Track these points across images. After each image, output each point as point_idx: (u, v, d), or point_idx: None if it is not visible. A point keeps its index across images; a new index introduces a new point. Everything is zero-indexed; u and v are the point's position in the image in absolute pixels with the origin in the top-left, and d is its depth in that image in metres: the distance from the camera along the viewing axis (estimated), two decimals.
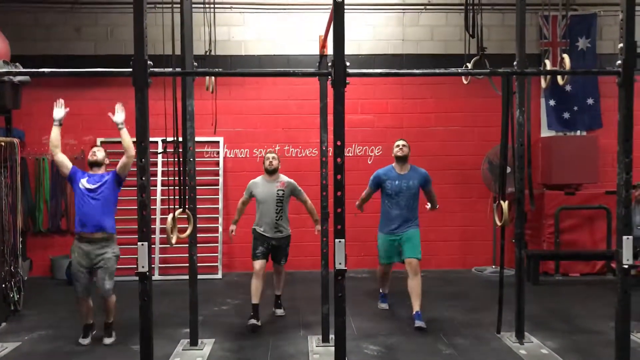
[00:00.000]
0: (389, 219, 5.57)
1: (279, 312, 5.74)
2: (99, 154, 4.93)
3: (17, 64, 5.83)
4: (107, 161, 5.00)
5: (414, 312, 5.27)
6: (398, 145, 5.58)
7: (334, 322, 3.19)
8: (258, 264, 5.43)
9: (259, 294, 5.33)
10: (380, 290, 6.09)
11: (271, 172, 5.57)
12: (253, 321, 5.20)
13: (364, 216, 7.74)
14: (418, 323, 5.16)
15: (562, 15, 6.45)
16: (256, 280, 5.36)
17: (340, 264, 3.07)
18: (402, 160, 5.55)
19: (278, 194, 5.51)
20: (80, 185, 4.77)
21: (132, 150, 4.74)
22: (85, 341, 4.85)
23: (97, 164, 4.88)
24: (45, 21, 7.72)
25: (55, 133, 4.79)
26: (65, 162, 4.88)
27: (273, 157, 5.59)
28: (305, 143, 7.87)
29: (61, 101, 4.81)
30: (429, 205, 5.85)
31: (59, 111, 4.78)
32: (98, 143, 7.14)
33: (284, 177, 5.67)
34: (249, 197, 5.65)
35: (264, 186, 5.55)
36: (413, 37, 7.97)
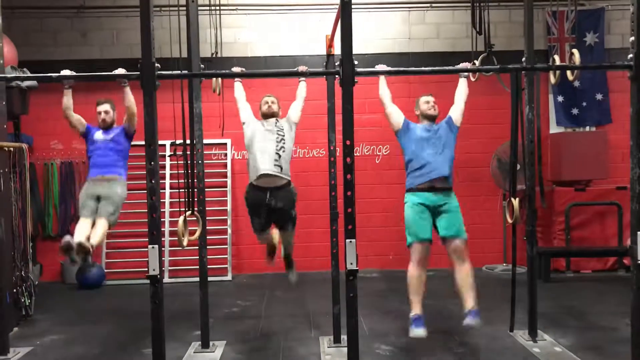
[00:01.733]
0: (418, 166, 4.38)
1: (292, 276, 5.10)
2: (108, 117, 4.94)
3: (25, 69, 5.86)
4: (115, 117, 5.02)
5: (468, 310, 4.24)
6: (428, 102, 4.58)
7: (345, 322, 3.17)
8: (262, 238, 4.96)
9: (273, 240, 4.99)
10: (412, 309, 4.32)
11: (270, 116, 4.78)
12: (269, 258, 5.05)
13: (373, 215, 7.75)
14: (469, 320, 4.18)
15: (570, 10, 6.40)
16: (265, 241, 5.01)
17: (351, 264, 3.05)
18: (431, 119, 4.57)
19: (278, 126, 4.71)
20: (96, 137, 4.87)
21: (134, 107, 4.79)
22: (68, 238, 4.49)
23: (109, 126, 4.94)
24: (52, 26, 7.75)
25: (67, 96, 4.86)
26: (80, 119, 4.96)
27: (272, 101, 4.83)
28: (312, 143, 7.85)
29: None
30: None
31: (67, 72, 4.72)
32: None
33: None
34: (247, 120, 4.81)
35: (263, 124, 4.75)
36: (419, 36, 7.94)
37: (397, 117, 4.60)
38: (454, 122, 4.58)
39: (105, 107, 4.97)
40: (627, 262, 7.27)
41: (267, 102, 4.79)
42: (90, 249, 4.45)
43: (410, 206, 4.44)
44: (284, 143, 4.61)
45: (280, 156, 4.56)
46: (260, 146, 4.58)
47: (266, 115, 4.77)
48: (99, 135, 4.89)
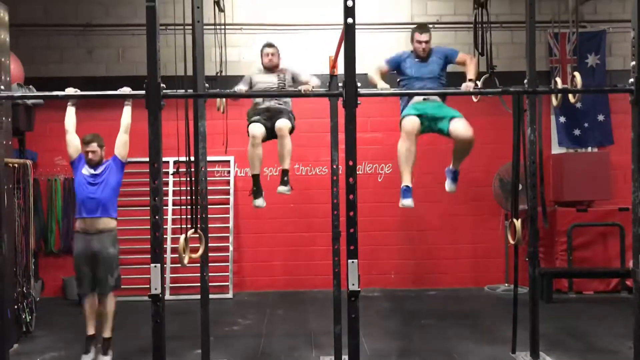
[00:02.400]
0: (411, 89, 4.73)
1: (282, 189, 4.90)
2: (95, 156, 4.90)
3: (31, 86, 5.91)
4: (103, 154, 5.00)
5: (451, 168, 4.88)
6: (420, 42, 4.78)
7: (346, 342, 3.17)
8: (256, 127, 4.77)
9: (260, 163, 4.80)
10: (402, 180, 4.56)
11: (270, 69, 5.03)
12: (260, 200, 4.83)
13: (374, 234, 7.74)
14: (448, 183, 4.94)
15: (572, 32, 6.45)
16: (253, 148, 4.77)
17: (353, 284, 3.06)
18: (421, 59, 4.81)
19: (280, 77, 4.97)
20: (83, 171, 4.86)
21: (129, 127, 4.90)
22: (88, 358, 4.76)
23: (96, 164, 4.92)
24: (59, 44, 7.83)
25: (70, 113, 4.89)
26: (76, 144, 4.93)
27: (272, 53, 4.97)
28: (315, 161, 7.88)
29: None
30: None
31: (72, 90, 4.77)
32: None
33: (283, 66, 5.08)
34: (249, 88, 5.07)
35: (264, 76, 5.05)
36: None
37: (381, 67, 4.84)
38: (455, 58, 4.87)
39: (93, 146, 4.89)
40: (630, 284, 7.25)
41: (267, 54, 4.99)
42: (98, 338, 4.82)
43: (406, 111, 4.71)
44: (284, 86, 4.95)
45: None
46: (261, 85, 4.95)
47: (267, 68, 5.09)
48: (86, 170, 4.87)
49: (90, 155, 4.89)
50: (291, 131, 4.93)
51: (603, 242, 7.41)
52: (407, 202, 4.48)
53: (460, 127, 4.50)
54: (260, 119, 4.86)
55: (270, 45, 4.98)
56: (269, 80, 5.01)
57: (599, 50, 7.93)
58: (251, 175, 4.91)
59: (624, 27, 7.93)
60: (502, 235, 7.65)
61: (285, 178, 4.88)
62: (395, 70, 4.87)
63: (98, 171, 4.87)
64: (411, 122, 4.50)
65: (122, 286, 5.10)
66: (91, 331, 4.85)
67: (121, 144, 4.93)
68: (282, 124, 4.80)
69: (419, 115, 4.56)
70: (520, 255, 4.86)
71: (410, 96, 4.72)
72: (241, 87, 5.01)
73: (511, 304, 4.80)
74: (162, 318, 3.18)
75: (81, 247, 4.84)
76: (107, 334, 4.86)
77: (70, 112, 4.89)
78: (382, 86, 4.56)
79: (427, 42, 4.81)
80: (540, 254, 7.52)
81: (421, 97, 4.65)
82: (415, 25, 5.05)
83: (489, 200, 7.72)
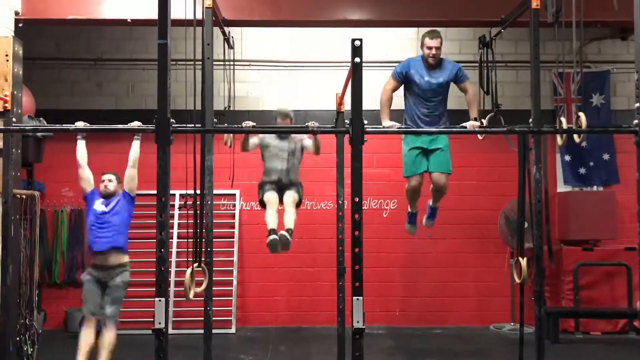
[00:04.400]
0: (413, 124, 4.98)
1: (285, 233, 4.85)
2: (111, 185, 5.09)
3: (41, 118, 5.99)
4: (119, 189, 5.15)
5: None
6: (430, 47, 4.82)
7: None
8: (271, 195, 4.90)
9: (276, 222, 4.83)
10: (409, 209, 5.38)
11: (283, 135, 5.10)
12: (273, 236, 4.77)
13: (379, 270, 7.69)
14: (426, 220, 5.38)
15: (576, 73, 6.53)
16: (271, 210, 4.85)
17: (358, 322, 3.04)
18: (431, 67, 4.91)
19: (290, 146, 5.04)
20: (95, 207, 4.98)
21: (137, 162, 5.02)
22: None
23: (110, 195, 5.05)
24: (69, 77, 7.96)
25: (81, 146, 5.00)
26: (89, 179, 5.11)
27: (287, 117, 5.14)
28: (320, 196, 7.88)
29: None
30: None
31: (81, 124, 4.82)
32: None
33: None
34: (257, 143, 5.12)
35: (277, 141, 5.10)
36: None
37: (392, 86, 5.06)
38: (462, 82, 5.00)
39: (110, 176, 5.14)
40: (638, 325, 7.15)
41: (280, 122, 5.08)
42: None
43: (407, 143, 5.08)
44: (294, 159, 5.05)
45: (289, 170, 5.00)
46: (271, 158, 5.05)
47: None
48: (98, 205, 5.01)
49: (106, 183, 5.06)
50: (299, 204, 5.03)
51: (609, 281, 7.34)
52: (410, 228, 5.37)
53: (438, 177, 5.03)
54: (271, 188, 4.99)
55: (284, 116, 5.12)
56: (281, 146, 5.06)
57: (603, 90, 7.99)
58: (268, 229, 4.88)
59: (628, 68, 8.02)
60: (507, 273, 7.58)
61: (289, 234, 4.90)
62: (404, 82, 4.99)
63: (109, 207, 4.98)
64: (416, 180, 5.03)
65: (120, 320, 5.12)
66: None
67: (130, 179, 5.03)
68: (291, 199, 4.94)
69: (417, 149, 4.97)
70: (526, 294, 4.81)
71: (412, 114, 4.98)
72: (254, 141, 5.10)
73: (517, 343, 4.74)
74: (166, 353, 3.16)
75: (94, 274, 4.95)
76: None
77: (81, 145, 5.00)
78: (388, 125, 4.66)
79: (437, 48, 4.84)
80: (546, 293, 7.44)
81: (420, 126, 4.94)
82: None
83: (494, 238, 7.68)
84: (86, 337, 4.87)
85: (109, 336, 4.83)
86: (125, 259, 5.05)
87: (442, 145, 5.01)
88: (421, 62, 4.90)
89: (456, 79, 4.97)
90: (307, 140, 5.10)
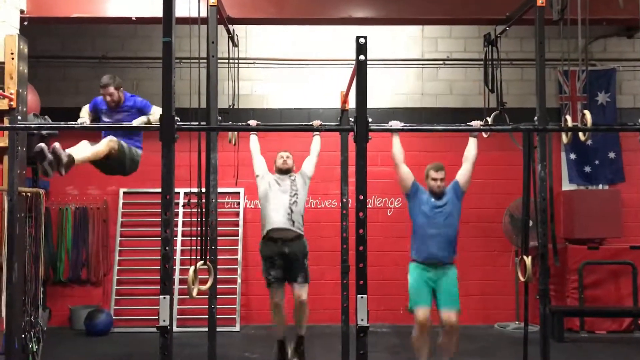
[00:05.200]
0: (422, 243, 4.83)
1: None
2: (113, 97, 4.89)
3: (46, 116, 6.00)
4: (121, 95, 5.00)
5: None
6: (435, 179, 4.90)
7: None
8: (276, 294, 4.89)
9: (285, 328, 4.83)
10: None
11: (284, 172, 5.13)
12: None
13: (383, 268, 7.68)
14: None
15: (581, 71, 6.51)
16: (277, 314, 4.87)
17: (362, 320, 3.03)
18: (437, 197, 4.90)
19: (292, 180, 5.04)
20: (104, 118, 4.91)
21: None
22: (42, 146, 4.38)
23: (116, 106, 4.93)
24: (74, 75, 7.98)
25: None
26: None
27: (287, 156, 5.14)
28: (324, 194, 7.88)
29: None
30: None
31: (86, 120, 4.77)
32: (121, 193, 7.16)
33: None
34: (262, 173, 5.11)
35: (277, 179, 5.11)
36: (432, 92, 8.07)
37: (407, 180, 4.88)
38: (460, 187, 4.90)
39: (109, 89, 4.88)
40: None
41: (282, 157, 5.02)
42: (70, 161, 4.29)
43: (413, 275, 4.82)
44: (297, 198, 4.83)
45: (292, 211, 4.69)
46: (274, 201, 4.84)
47: (281, 170, 5.05)
48: (105, 116, 4.82)
49: (107, 98, 4.91)
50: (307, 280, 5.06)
51: (615, 280, 7.32)
52: None
53: (448, 317, 4.70)
54: (276, 276, 4.91)
55: (285, 151, 5.13)
56: (281, 183, 5.06)
57: (609, 88, 7.97)
58: (277, 341, 4.92)
59: (634, 66, 8.00)
60: (512, 272, 7.57)
61: (302, 347, 4.94)
62: (412, 193, 4.92)
63: (120, 116, 4.83)
64: (423, 313, 4.70)
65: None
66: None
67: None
68: (302, 292, 4.89)
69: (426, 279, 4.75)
70: (530, 292, 4.79)
71: (421, 235, 4.80)
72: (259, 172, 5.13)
73: (521, 342, 4.72)
74: (170, 350, 3.16)
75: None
76: None
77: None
78: (401, 171, 4.84)
79: (442, 179, 4.91)
80: (551, 292, 7.43)
81: (430, 254, 4.75)
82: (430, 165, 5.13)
83: (499, 237, 7.67)
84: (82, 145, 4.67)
85: (103, 143, 4.61)
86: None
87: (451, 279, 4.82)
88: (428, 193, 4.91)
89: (458, 191, 4.95)
90: (307, 165, 5.13)
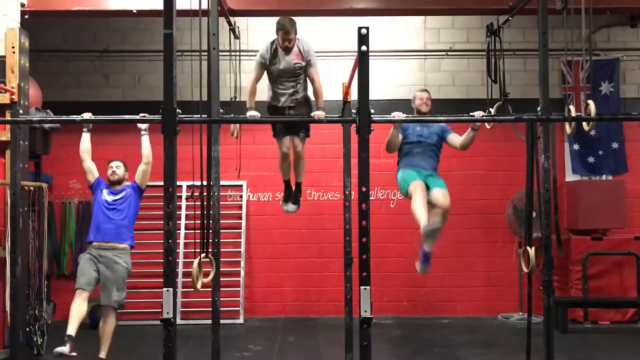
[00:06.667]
0: (410, 163, 5.01)
1: (292, 208, 5.11)
2: (119, 171, 5.07)
3: (48, 110, 6.00)
4: (126, 176, 5.15)
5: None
6: (422, 98, 5.03)
7: None
8: (284, 141, 4.84)
9: (289, 170, 4.94)
10: (423, 245, 4.90)
11: (287, 50, 4.69)
12: (291, 205, 5.01)
13: (386, 260, 7.69)
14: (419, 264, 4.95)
15: (585, 60, 6.47)
16: (284, 161, 4.90)
17: (365, 312, 3.03)
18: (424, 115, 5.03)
19: (295, 67, 4.72)
20: (102, 197, 4.93)
21: (150, 157, 5.00)
22: (61, 349, 4.58)
23: (118, 182, 5.00)
24: (76, 69, 7.97)
25: (85, 139, 4.99)
26: (92, 169, 5.09)
27: (291, 39, 4.63)
28: (327, 187, 7.88)
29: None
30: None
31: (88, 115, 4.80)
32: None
33: (299, 44, 4.73)
34: (262, 71, 4.80)
35: (280, 58, 4.71)
36: (435, 83, 8.03)
37: (397, 138, 5.03)
38: (447, 136, 5.05)
39: (118, 163, 5.11)
40: None
41: (284, 39, 4.65)
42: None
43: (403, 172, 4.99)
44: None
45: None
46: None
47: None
48: (105, 195, 4.95)
49: (114, 169, 5.02)
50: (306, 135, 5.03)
51: (618, 271, 7.31)
52: (419, 267, 5.00)
53: (440, 195, 4.75)
54: (280, 132, 4.89)
55: (286, 30, 4.56)
56: (286, 63, 4.70)
57: (612, 78, 7.92)
58: (283, 180, 5.06)
59: (638, 56, 7.96)
60: (516, 263, 7.56)
61: (298, 194, 5.07)
62: (403, 136, 5.10)
63: (118, 196, 4.94)
64: (418, 182, 4.75)
65: (125, 310, 5.07)
66: (71, 331, 4.75)
67: (141, 173, 5.04)
68: (298, 143, 4.86)
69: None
70: (534, 283, 4.79)
71: (408, 155, 5.03)
72: (256, 70, 4.81)
73: (525, 333, 4.72)
74: (174, 343, 3.16)
75: (91, 253, 4.94)
76: (102, 354, 4.85)
77: (86, 138, 4.98)
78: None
79: (428, 98, 5.05)
80: (555, 283, 7.40)
81: (416, 163, 4.95)
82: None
83: (502, 228, 7.66)
84: (80, 307, 4.81)
85: (111, 322, 4.80)
86: (128, 250, 5.01)
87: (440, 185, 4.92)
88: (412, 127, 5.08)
89: (443, 134, 5.11)
90: (312, 61, 4.79)
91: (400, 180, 4.95)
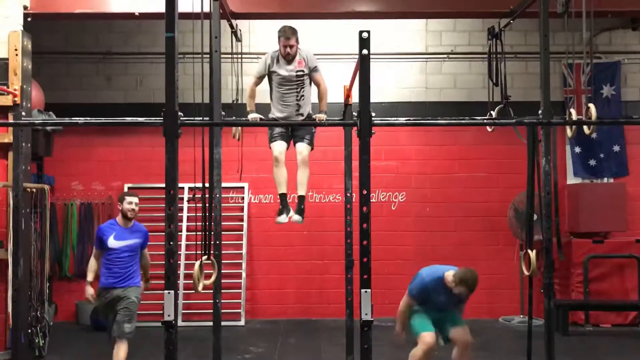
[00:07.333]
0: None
1: (297, 218, 4.81)
2: (137, 208, 4.89)
3: (51, 112, 6.02)
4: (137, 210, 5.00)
5: None
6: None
7: None
8: (277, 146, 4.71)
9: (285, 182, 4.72)
10: None
11: (288, 59, 4.68)
12: (283, 217, 4.69)
13: (388, 263, 7.69)
14: None
15: (586, 63, 6.49)
16: (278, 169, 4.72)
17: (366, 314, 3.04)
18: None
19: (297, 75, 4.70)
20: (110, 244, 4.74)
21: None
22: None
23: (133, 218, 4.90)
24: (78, 71, 7.98)
25: (93, 263, 4.86)
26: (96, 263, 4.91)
27: (292, 45, 4.63)
28: (328, 189, 7.89)
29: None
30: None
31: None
32: (125, 189, 7.20)
33: (301, 52, 4.73)
34: (261, 78, 4.79)
35: (282, 67, 4.71)
36: (436, 85, 8.05)
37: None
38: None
39: (136, 200, 4.91)
40: None
41: (285, 46, 4.61)
42: None
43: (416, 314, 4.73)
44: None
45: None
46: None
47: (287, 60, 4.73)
48: (112, 242, 4.75)
49: (133, 206, 4.85)
50: (311, 144, 4.86)
51: (620, 274, 7.30)
52: None
53: (461, 334, 4.61)
54: (279, 137, 4.77)
55: (287, 37, 4.55)
56: (287, 72, 4.70)
57: (614, 81, 7.92)
58: (279, 194, 4.82)
59: (639, 59, 7.95)
60: (517, 265, 7.56)
61: (302, 206, 4.80)
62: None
63: (128, 242, 4.82)
64: (431, 335, 4.59)
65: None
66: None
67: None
68: (303, 148, 4.73)
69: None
70: (535, 286, 4.80)
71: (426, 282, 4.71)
72: (256, 74, 4.80)
73: (526, 336, 4.73)
74: (175, 345, 3.17)
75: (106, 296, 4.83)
76: None
77: (94, 263, 4.85)
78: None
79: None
80: (555, 286, 7.39)
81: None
82: None
83: (503, 230, 7.66)
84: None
85: (124, 351, 4.74)
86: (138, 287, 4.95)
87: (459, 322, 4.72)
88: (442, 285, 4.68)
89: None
90: (314, 65, 4.78)
91: (412, 325, 4.81)
